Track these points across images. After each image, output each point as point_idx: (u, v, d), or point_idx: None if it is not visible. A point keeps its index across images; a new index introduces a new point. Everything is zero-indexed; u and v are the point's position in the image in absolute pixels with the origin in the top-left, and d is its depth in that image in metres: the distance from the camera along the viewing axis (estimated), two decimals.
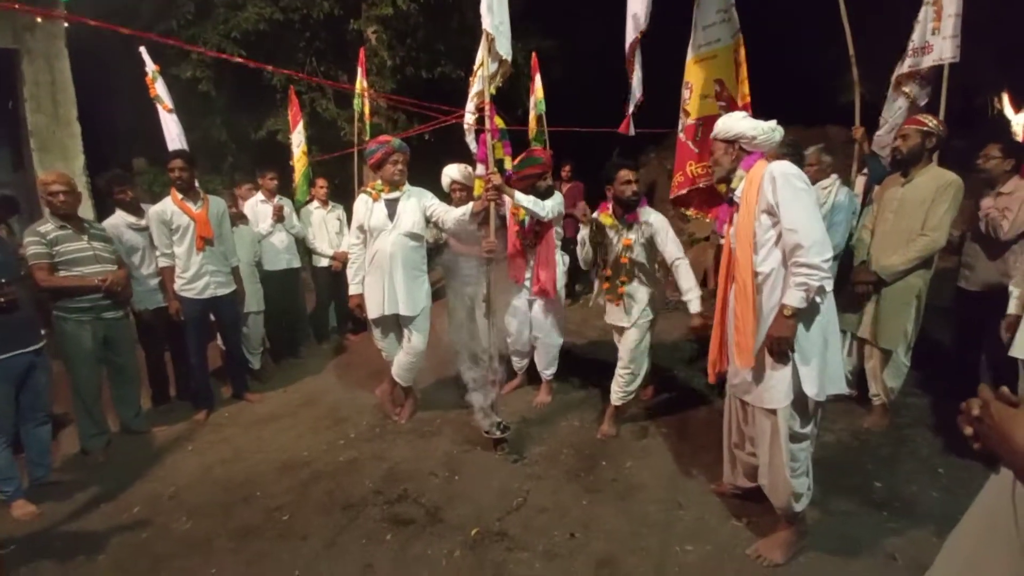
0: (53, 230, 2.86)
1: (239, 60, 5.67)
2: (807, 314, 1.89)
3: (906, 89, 3.29)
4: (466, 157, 3.76)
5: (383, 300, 3.10)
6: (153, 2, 7.11)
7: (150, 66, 4.04)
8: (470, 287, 3.51)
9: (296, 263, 4.57)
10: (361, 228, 3.14)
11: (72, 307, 2.90)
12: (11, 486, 2.57)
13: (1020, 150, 2.85)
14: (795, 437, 1.97)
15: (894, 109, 3.40)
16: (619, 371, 3.01)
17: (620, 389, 3.01)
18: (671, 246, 2.84)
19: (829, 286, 1.85)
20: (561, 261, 3.44)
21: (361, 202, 3.16)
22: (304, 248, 4.82)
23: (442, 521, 2.38)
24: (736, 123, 2.06)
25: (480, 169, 2.91)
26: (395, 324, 3.25)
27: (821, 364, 1.91)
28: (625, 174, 2.82)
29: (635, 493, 2.53)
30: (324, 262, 4.81)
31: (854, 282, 2.90)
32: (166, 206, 3.32)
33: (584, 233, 3.01)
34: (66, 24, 4.81)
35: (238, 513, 2.52)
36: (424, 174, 3.76)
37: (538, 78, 4.62)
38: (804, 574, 1.99)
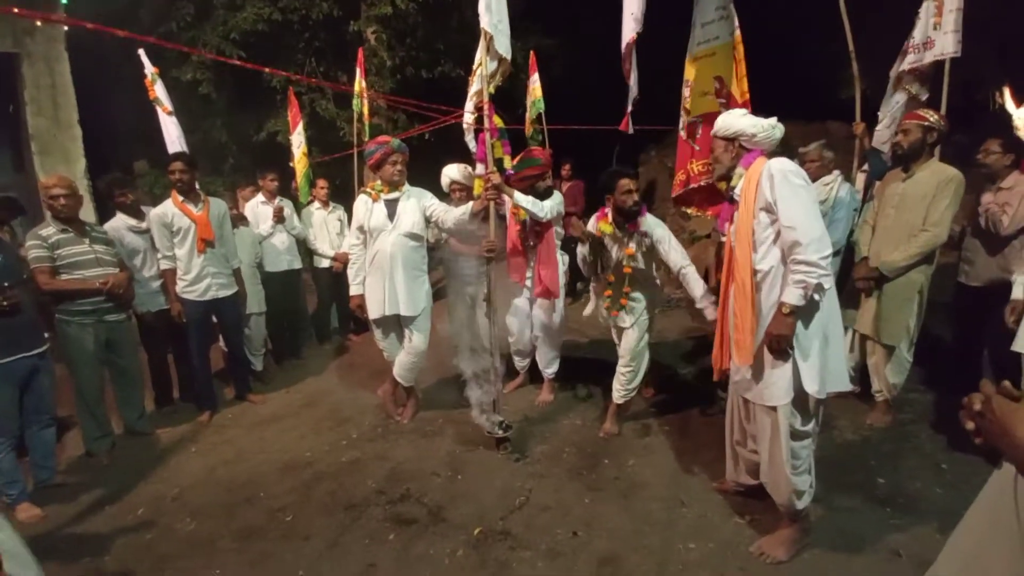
0: (54, 233, 2.87)
1: (239, 63, 5.67)
2: (807, 311, 1.88)
3: (907, 85, 3.28)
4: (466, 156, 3.76)
5: (384, 300, 3.10)
6: (153, 4, 7.13)
7: (149, 68, 4.04)
8: (471, 287, 3.51)
9: (297, 264, 4.58)
10: (361, 229, 3.14)
11: (74, 310, 2.91)
12: (15, 489, 2.58)
13: (1020, 145, 2.84)
14: (796, 435, 1.97)
15: (892, 104, 3.39)
16: (620, 369, 3.01)
17: (622, 387, 3.01)
18: (675, 255, 2.84)
19: (827, 284, 1.84)
20: (561, 260, 3.44)
21: (361, 203, 3.16)
22: (305, 249, 4.83)
23: (445, 520, 2.38)
24: (735, 121, 2.05)
25: (479, 168, 2.90)
26: (396, 324, 3.25)
27: (822, 361, 1.91)
28: (625, 183, 2.80)
29: (637, 491, 2.53)
30: (325, 263, 4.82)
31: (855, 278, 2.90)
32: (167, 208, 3.33)
33: (584, 250, 3.01)
34: (66, 27, 4.82)
35: (241, 514, 2.53)
36: (424, 174, 3.76)
37: (536, 77, 4.61)
38: (807, 571, 1.98)
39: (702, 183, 3.23)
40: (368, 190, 3.18)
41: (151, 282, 3.49)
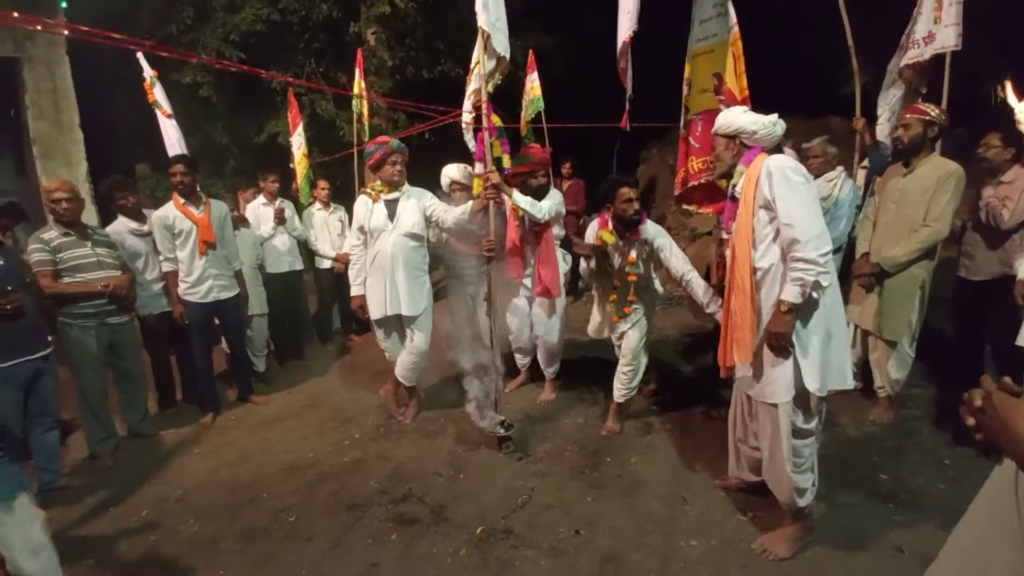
0: (57, 237, 2.88)
1: (236, 67, 5.67)
2: (806, 309, 1.87)
3: (905, 78, 3.27)
4: (466, 156, 3.76)
5: (385, 301, 3.11)
6: (152, 8, 7.14)
7: (148, 72, 4.05)
8: (471, 286, 3.51)
9: (298, 265, 4.59)
10: (361, 229, 3.15)
11: (77, 313, 2.92)
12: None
13: (1020, 139, 2.82)
14: (798, 433, 1.96)
15: (889, 97, 3.38)
16: (621, 368, 3.01)
17: (623, 386, 3.01)
18: (676, 261, 2.83)
19: (826, 281, 1.82)
20: (562, 259, 3.43)
21: (361, 203, 3.17)
22: (306, 250, 4.83)
23: (447, 520, 2.39)
24: (736, 118, 2.04)
25: (479, 168, 2.90)
26: (398, 324, 3.26)
27: (823, 358, 1.90)
28: (625, 192, 2.78)
29: (640, 489, 2.53)
30: (326, 264, 4.82)
31: (855, 275, 2.89)
32: (168, 211, 3.34)
33: (590, 264, 2.99)
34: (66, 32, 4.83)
35: (245, 515, 2.54)
36: (424, 173, 3.76)
37: (535, 76, 4.59)
38: (810, 568, 1.98)
39: (702, 180, 3.22)
40: (368, 191, 3.18)
41: (153, 284, 3.50)
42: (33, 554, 1.77)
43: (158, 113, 4.14)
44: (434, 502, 2.51)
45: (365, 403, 3.69)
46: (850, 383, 1.98)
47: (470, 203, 2.95)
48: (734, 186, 2.07)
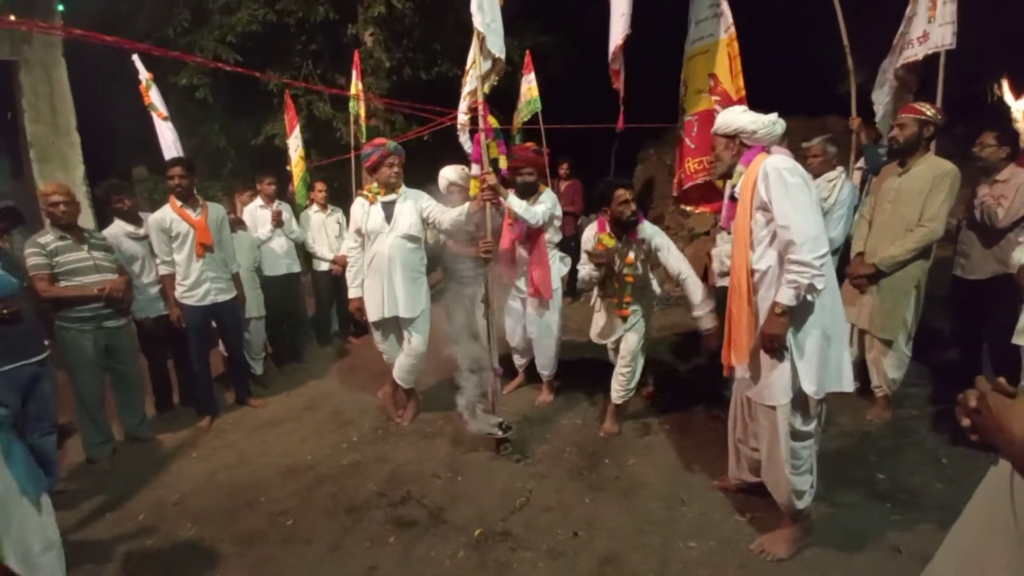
0: (53, 241, 2.87)
1: (233, 68, 5.68)
2: (802, 311, 1.86)
3: (899, 75, 3.28)
4: (465, 157, 3.76)
5: (383, 303, 3.10)
6: (149, 10, 7.13)
7: (143, 74, 4.05)
8: (469, 288, 3.51)
9: (296, 268, 4.58)
10: (358, 231, 3.15)
11: (73, 317, 2.92)
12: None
13: (1015, 138, 2.83)
14: (797, 435, 1.95)
15: (882, 95, 3.40)
16: (619, 370, 3.01)
17: (621, 388, 3.01)
18: (674, 261, 2.84)
19: (820, 284, 1.80)
20: (559, 261, 3.42)
21: (358, 205, 3.16)
22: (304, 252, 4.83)
23: (445, 522, 2.38)
24: (736, 117, 2.02)
25: (475, 169, 2.90)
26: (395, 326, 3.25)
27: (821, 361, 1.88)
28: (621, 194, 2.78)
29: (638, 490, 2.53)
30: (324, 266, 4.82)
31: (850, 275, 2.89)
32: (165, 214, 3.33)
33: (598, 272, 2.88)
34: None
35: (243, 518, 2.54)
36: (422, 175, 3.76)
37: (532, 76, 4.60)
38: (808, 568, 1.98)
39: (698, 181, 3.23)
40: (365, 193, 3.18)
41: (150, 288, 3.49)
42: (47, 551, 1.83)
43: (154, 115, 4.14)
44: (432, 504, 2.51)
45: (363, 405, 3.69)
46: (849, 386, 1.96)
47: (467, 204, 2.95)
48: (734, 186, 2.06)
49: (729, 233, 2.26)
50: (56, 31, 4.51)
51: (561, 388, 3.63)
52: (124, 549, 2.37)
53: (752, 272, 1.96)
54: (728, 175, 2.10)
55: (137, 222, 3.48)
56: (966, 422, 0.94)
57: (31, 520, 1.78)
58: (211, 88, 7.27)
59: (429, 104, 6.79)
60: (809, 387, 1.87)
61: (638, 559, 2.09)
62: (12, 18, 4.12)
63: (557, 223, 3.33)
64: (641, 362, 3.03)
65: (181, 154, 4.04)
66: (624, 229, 2.84)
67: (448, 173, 3.62)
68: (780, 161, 1.90)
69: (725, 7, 2.98)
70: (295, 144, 5.33)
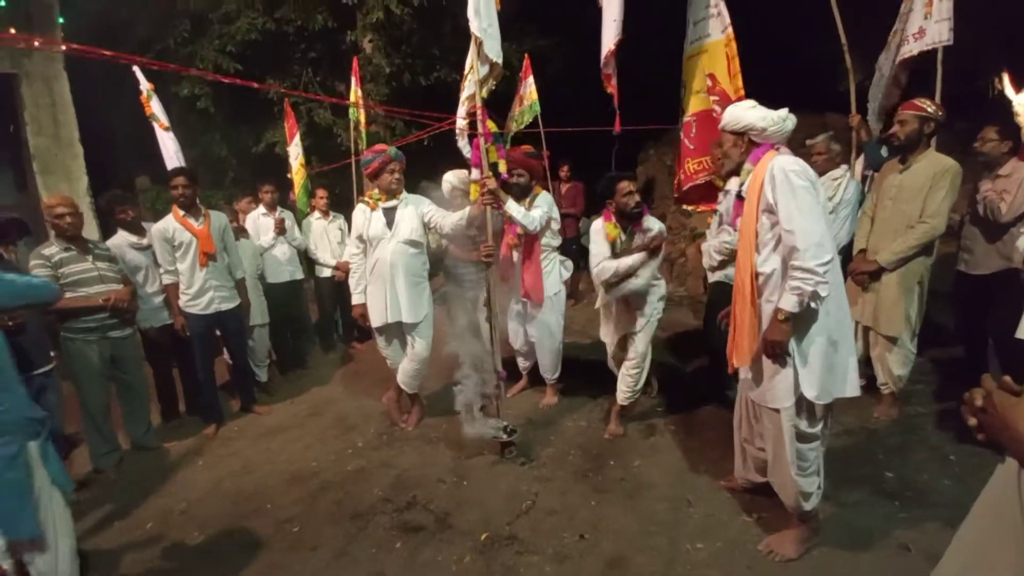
0: (58, 252, 2.89)
1: (231, 80, 5.70)
2: (807, 318, 1.83)
3: (895, 71, 3.29)
4: (466, 162, 3.76)
5: (386, 308, 3.11)
6: (149, 21, 7.18)
7: (144, 85, 4.08)
8: (471, 292, 3.51)
9: (299, 275, 4.60)
10: (360, 238, 3.15)
11: (79, 327, 2.93)
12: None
13: (1017, 132, 2.82)
14: (803, 437, 1.92)
15: (877, 91, 3.41)
16: (627, 370, 2.99)
17: (628, 389, 3.00)
18: (649, 266, 2.82)
19: (824, 291, 1.76)
20: (559, 265, 3.40)
21: (359, 212, 3.17)
22: (307, 259, 4.85)
23: (451, 527, 2.38)
24: (744, 113, 1.95)
25: (475, 173, 2.90)
26: (399, 332, 3.26)
27: (826, 367, 1.85)
28: (625, 186, 2.78)
29: (644, 492, 2.53)
30: (327, 272, 4.83)
31: (852, 272, 2.88)
32: (168, 223, 3.35)
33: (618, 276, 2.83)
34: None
35: (249, 525, 2.54)
36: (422, 180, 3.77)
37: (531, 81, 4.60)
38: (816, 568, 1.97)
39: (698, 181, 3.23)
40: (366, 199, 3.19)
41: (154, 298, 3.51)
42: (69, 547, 1.93)
43: (155, 126, 4.16)
44: (438, 509, 2.51)
45: (367, 411, 3.69)
46: (855, 391, 1.91)
47: (467, 208, 2.95)
48: (742, 184, 2.00)
49: (735, 231, 2.23)
50: (56, 47, 4.55)
51: (565, 391, 3.62)
52: (132, 558, 2.38)
53: (756, 275, 1.92)
54: (736, 173, 2.04)
55: (140, 232, 3.50)
56: (972, 421, 0.93)
57: (60, 514, 1.89)
58: (212, 98, 7.31)
59: (428, 109, 6.81)
60: (810, 392, 1.84)
61: (644, 561, 2.09)
62: (12, 31, 4.16)
63: (555, 226, 3.31)
64: (648, 364, 3.02)
65: (183, 164, 4.06)
66: (629, 221, 2.84)
67: (451, 177, 3.62)
68: (789, 162, 1.83)
69: (722, 7, 2.99)
70: (295, 152, 5.35)
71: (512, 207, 2.94)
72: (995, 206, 2.66)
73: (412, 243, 3.11)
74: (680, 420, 3.17)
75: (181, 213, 3.36)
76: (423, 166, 4.41)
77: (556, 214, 3.27)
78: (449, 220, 3.04)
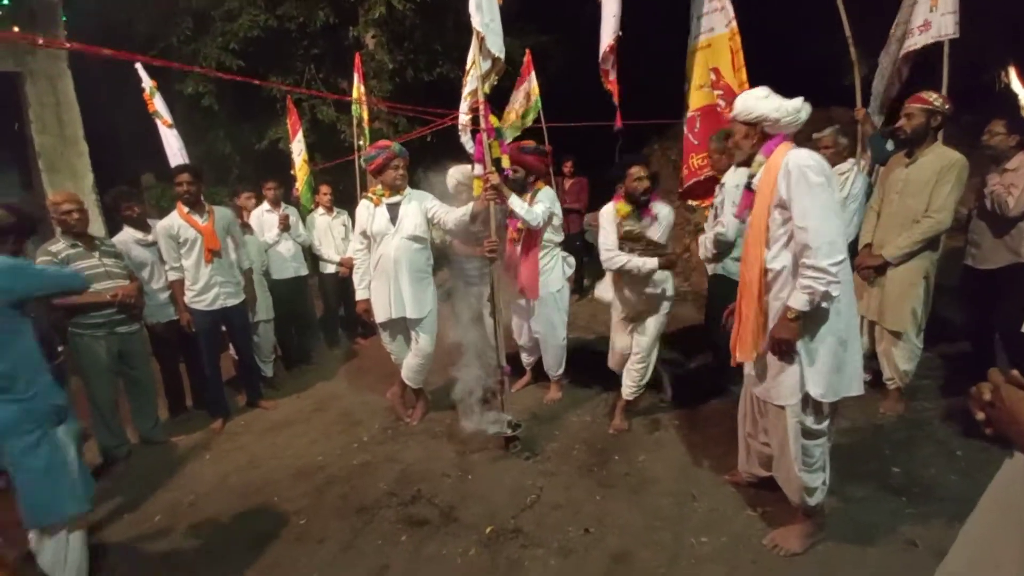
0: (64, 248, 2.91)
1: (234, 77, 5.71)
2: (818, 317, 1.80)
3: (898, 64, 3.27)
4: (468, 157, 3.75)
5: (389, 304, 3.12)
6: (152, 19, 7.19)
7: (147, 82, 4.09)
8: (475, 287, 3.51)
9: (303, 271, 4.61)
10: (364, 234, 3.16)
11: (86, 323, 2.95)
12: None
13: None
14: (809, 433, 1.91)
15: (879, 85, 3.39)
16: (633, 364, 2.99)
17: (633, 383, 2.99)
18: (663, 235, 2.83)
19: (836, 291, 1.73)
20: (562, 261, 3.39)
21: (363, 208, 3.18)
22: (311, 255, 4.86)
23: (456, 520, 2.39)
24: (757, 103, 1.87)
25: (478, 169, 2.90)
26: (403, 327, 3.27)
27: (834, 365, 1.83)
28: (636, 170, 2.78)
29: (648, 486, 2.53)
30: (331, 268, 4.85)
31: (857, 267, 2.86)
32: (173, 220, 3.36)
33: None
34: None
35: (256, 519, 2.56)
36: (425, 176, 3.77)
37: (533, 77, 4.58)
38: (822, 563, 1.97)
39: (701, 177, 3.22)
40: (370, 195, 3.19)
41: (159, 294, 3.52)
42: (81, 539, 2.04)
43: (159, 123, 4.17)
44: (443, 503, 2.52)
45: (372, 406, 3.71)
46: (859, 389, 1.90)
47: (470, 204, 2.95)
48: (751, 175, 1.97)
49: (742, 222, 2.19)
50: (58, 44, 4.56)
51: (569, 386, 3.63)
52: (140, 551, 2.40)
53: (766, 271, 1.89)
54: (747, 164, 1.98)
55: (146, 229, 3.52)
56: (980, 415, 0.93)
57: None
58: (216, 95, 7.33)
59: (431, 105, 6.80)
60: (815, 391, 1.83)
61: (649, 555, 2.09)
62: (16, 29, 4.18)
63: (556, 222, 3.28)
64: (655, 358, 3.02)
65: (187, 161, 4.07)
66: (638, 205, 2.82)
67: (456, 173, 3.62)
68: (805, 157, 1.78)
69: (727, 1, 2.96)
70: (298, 148, 5.36)
71: (515, 202, 2.94)
72: (1002, 200, 2.64)
73: (416, 239, 3.11)
74: (684, 415, 3.17)
75: (186, 210, 3.38)
76: (426, 162, 4.41)
77: (558, 209, 3.26)
78: (453, 216, 3.04)
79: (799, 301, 1.76)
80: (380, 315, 3.18)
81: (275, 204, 4.43)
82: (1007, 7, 5.54)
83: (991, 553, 0.98)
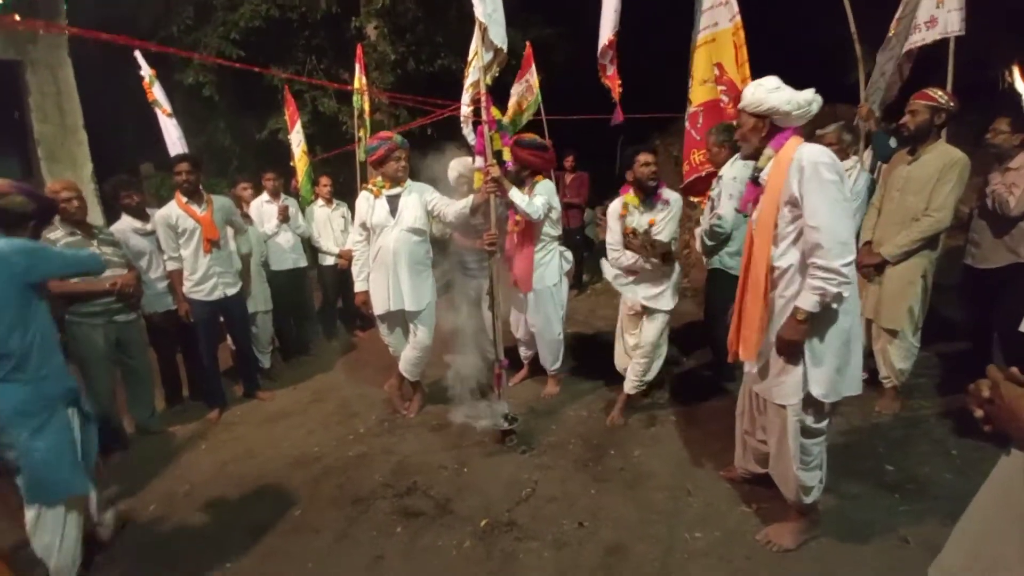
0: (63, 236, 2.90)
1: (236, 65, 5.69)
2: (826, 318, 1.77)
3: (900, 61, 3.25)
4: (470, 150, 3.74)
5: (388, 296, 3.11)
6: (153, 8, 7.16)
7: (146, 71, 4.07)
8: (475, 280, 3.50)
9: (302, 262, 4.61)
10: (364, 225, 3.15)
11: (84, 311, 2.95)
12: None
13: None
14: (808, 432, 1.90)
15: (880, 81, 3.38)
16: (636, 359, 2.97)
17: (636, 377, 2.99)
18: (667, 231, 2.83)
19: (847, 292, 1.69)
20: (560, 256, 3.37)
21: (363, 199, 3.17)
22: (310, 247, 4.86)
23: (451, 512, 2.40)
24: (767, 95, 1.80)
25: (479, 161, 2.89)
26: (401, 319, 3.26)
27: (837, 366, 1.81)
28: (644, 157, 2.80)
29: (643, 481, 2.54)
30: (330, 260, 4.84)
31: (858, 264, 2.85)
32: (171, 210, 3.35)
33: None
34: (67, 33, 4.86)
35: (251, 509, 2.57)
36: (426, 168, 3.76)
37: (533, 70, 4.56)
38: (815, 559, 1.98)
39: (703, 173, 3.21)
40: (370, 187, 3.18)
41: (157, 283, 3.52)
42: (77, 525, 2.06)
43: (158, 112, 4.16)
44: (439, 495, 2.53)
45: (370, 398, 3.71)
46: (857, 389, 1.90)
47: (471, 197, 2.94)
48: (759, 169, 1.91)
49: (747, 217, 2.15)
50: (58, 28, 4.54)
51: (566, 380, 3.63)
52: (136, 539, 2.41)
53: (772, 268, 1.85)
54: (755, 157, 1.91)
55: (144, 218, 3.51)
56: (979, 412, 0.93)
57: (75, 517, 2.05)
58: (216, 85, 7.30)
59: (432, 97, 6.78)
60: (818, 391, 1.81)
61: (643, 549, 2.10)
62: (16, 17, 4.15)
63: (555, 215, 3.24)
64: (663, 352, 3.00)
65: (186, 150, 4.06)
66: (647, 192, 2.83)
67: (457, 165, 3.60)
68: (819, 153, 1.73)
69: None
70: (297, 139, 5.34)
71: (515, 195, 2.93)
72: (1004, 200, 2.63)
73: (415, 231, 3.10)
74: (681, 410, 3.17)
75: (184, 200, 3.37)
76: (427, 154, 4.39)
77: (556, 203, 3.24)
78: (453, 208, 3.03)
79: (809, 302, 1.72)
80: (379, 307, 3.18)
81: (274, 195, 4.42)
82: (1013, 3, 5.50)
83: (990, 548, 0.99)
